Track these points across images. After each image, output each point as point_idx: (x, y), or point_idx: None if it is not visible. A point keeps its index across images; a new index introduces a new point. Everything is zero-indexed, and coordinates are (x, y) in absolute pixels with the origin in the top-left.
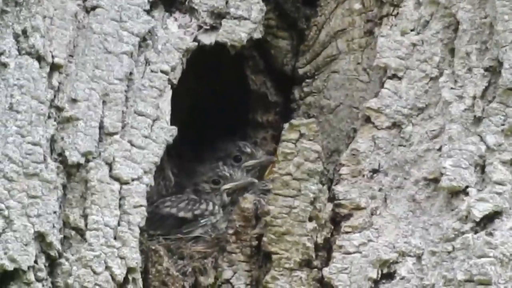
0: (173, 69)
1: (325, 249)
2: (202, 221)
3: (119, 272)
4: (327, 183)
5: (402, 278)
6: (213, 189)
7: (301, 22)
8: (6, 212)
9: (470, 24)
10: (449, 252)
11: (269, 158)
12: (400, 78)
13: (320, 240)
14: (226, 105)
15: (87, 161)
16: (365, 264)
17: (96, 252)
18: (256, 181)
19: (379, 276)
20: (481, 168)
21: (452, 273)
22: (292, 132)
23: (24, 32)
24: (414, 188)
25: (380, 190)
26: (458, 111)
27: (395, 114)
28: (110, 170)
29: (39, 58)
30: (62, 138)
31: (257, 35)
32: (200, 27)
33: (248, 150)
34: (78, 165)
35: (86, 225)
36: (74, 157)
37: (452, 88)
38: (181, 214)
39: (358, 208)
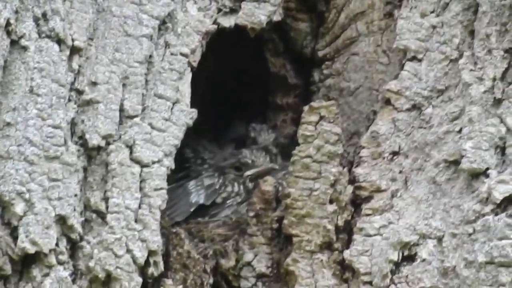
0: (192, 52)
1: (346, 232)
2: (228, 202)
3: (140, 255)
4: (347, 165)
5: (423, 260)
6: (236, 175)
7: (321, 5)
8: (27, 195)
9: (490, 6)
10: (469, 234)
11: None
12: (420, 60)
13: (340, 223)
14: (245, 87)
15: (108, 144)
16: (386, 247)
17: (117, 235)
18: (277, 167)
19: (400, 258)
20: (502, 150)
21: (473, 255)
22: (312, 115)
23: (44, 15)
24: (435, 170)
25: (400, 172)
26: (478, 93)
27: (415, 96)
28: (131, 153)
29: (59, 41)
30: (83, 121)
31: (276, 17)
32: (219, 10)
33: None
34: (98, 148)
35: (107, 208)
36: (94, 140)
37: (472, 70)
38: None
39: (379, 190)
